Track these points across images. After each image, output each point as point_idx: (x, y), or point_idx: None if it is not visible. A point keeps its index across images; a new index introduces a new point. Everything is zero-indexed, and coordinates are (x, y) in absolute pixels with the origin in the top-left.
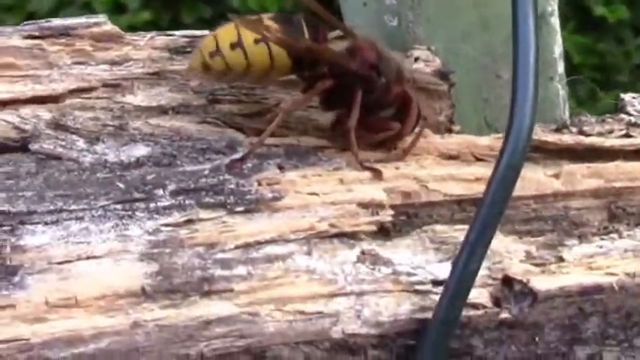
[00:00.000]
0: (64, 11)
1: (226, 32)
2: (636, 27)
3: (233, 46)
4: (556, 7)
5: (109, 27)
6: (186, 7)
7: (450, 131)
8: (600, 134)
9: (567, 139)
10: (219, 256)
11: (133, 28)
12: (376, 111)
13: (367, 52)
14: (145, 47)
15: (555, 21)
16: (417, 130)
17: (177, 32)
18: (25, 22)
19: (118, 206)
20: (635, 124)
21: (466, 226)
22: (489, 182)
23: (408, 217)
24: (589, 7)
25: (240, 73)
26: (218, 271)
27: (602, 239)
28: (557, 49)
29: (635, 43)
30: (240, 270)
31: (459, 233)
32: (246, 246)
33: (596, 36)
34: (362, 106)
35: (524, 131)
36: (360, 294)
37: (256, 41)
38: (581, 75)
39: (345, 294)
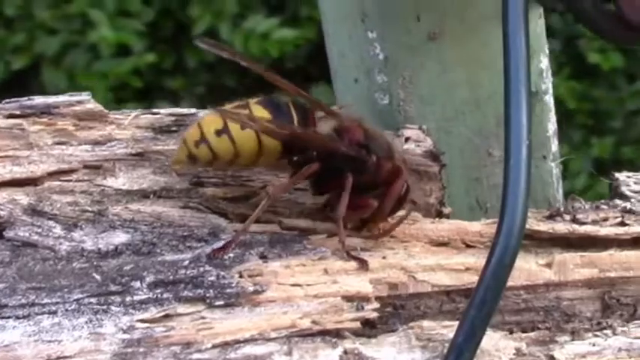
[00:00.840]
0: (71, 53)
1: (211, 119)
2: (630, 74)
3: (219, 133)
4: (550, 86)
5: (92, 105)
6: (189, 51)
7: (440, 214)
8: (595, 222)
9: (561, 227)
10: (196, 356)
11: (137, 71)
12: (367, 190)
13: (354, 131)
14: (129, 126)
15: (549, 99)
16: (403, 212)
17: (162, 110)
18: (6, 100)
19: (93, 300)
20: (630, 211)
21: (455, 322)
22: (479, 281)
23: (394, 309)
24: (584, 55)
25: (228, 160)
26: None
27: (596, 335)
28: (551, 127)
29: (629, 90)
30: None
31: (447, 330)
32: (224, 345)
33: (590, 82)
34: (355, 187)
35: (515, 229)
36: None
37: (243, 127)
38: (574, 122)
39: None
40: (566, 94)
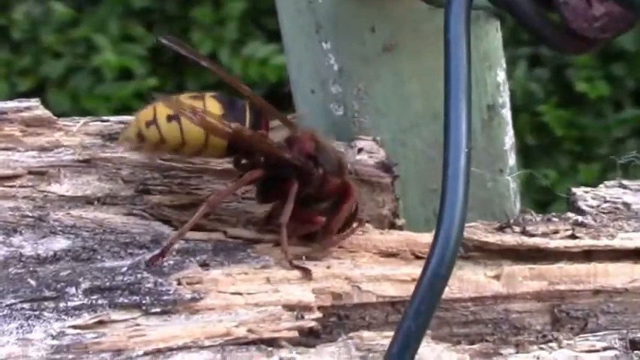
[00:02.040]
0: (75, 76)
1: (164, 106)
2: (616, 102)
3: (170, 119)
4: (507, 100)
5: (40, 112)
6: (190, 74)
7: (393, 225)
8: (545, 234)
9: (509, 239)
10: None
11: (139, 94)
12: (314, 204)
13: (305, 142)
14: (78, 133)
15: (507, 113)
16: (351, 227)
17: (112, 117)
18: None
19: (26, 305)
20: (581, 224)
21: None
22: (414, 292)
23: (339, 319)
24: (572, 83)
25: (174, 146)
26: None
27: (541, 349)
28: (509, 140)
29: (615, 118)
30: None
31: (387, 340)
32: (156, 352)
33: (577, 110)
34: (299, 198)
35: (452, 240)
36: None
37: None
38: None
39: None
40: (554, 122)
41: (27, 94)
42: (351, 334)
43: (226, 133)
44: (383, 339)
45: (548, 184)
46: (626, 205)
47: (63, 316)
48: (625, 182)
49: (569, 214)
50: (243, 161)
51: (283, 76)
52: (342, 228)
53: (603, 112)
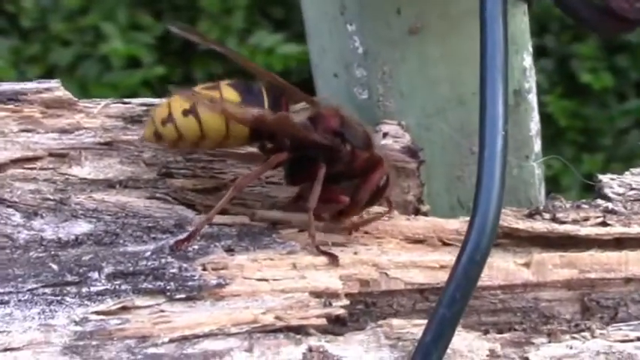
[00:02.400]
0: (83, 64)
1: (179, 99)
2: (620, 93)
3: (186, 113)
4: (534, 85)
5: (61, 93)
6: (197, 63)
7: (418, 211)
8: (575, 221)
9: (539, 226)
10: (151, 350)
11: (147, 83)
12: (344, 181)
13: (330, 119)
14: (99, 115)
15: (533, 98)
16: (381, 209)
17: (134, 100)
18: None
19: (48, 290)
20: (612, 211)
21: (426, 321)
22: (449, 279)
23: (366, 307)
24: (576, 74)
25: (193, 141)
26: None
27: (574, 338)
28: (534, 126)
29: (619, 109)
30: None
31: (417, 329)
32: (182, 339)
33: (581, 101)
34: (330, 177)
35: (488, 225)
36: None
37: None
38: (563, 141)
39: None
40: (558, 112)
41: None
42: (380, 322)
43: (248, 119)
44: (413, 327)
45: (555, 172)
46: None
47: (86, 302)
48: None
49: (599, 201)
50: (269, 146)
51: (289, 66)
52: (370, 201)
53: (607, 102)
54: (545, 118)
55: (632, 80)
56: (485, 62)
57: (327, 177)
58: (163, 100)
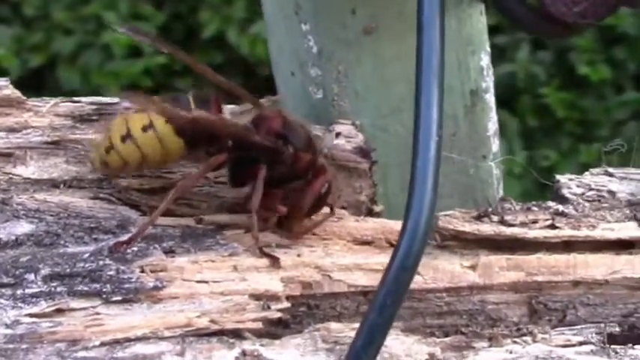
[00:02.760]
0: (85, 52)
1: (117, 127)
2: (617, 85)
3: (124, 139)
4: (491, 84)
5: (9, 91)
6: (198, 53)
7: (371, 212)
8: (523, 224)
9: (486, 228)
10: (81, 354)
11: (148, 72)
12: (287, 183)
13: (272, 121)
14: (47, 114)
15: (490, 98)
16: (326, 211)
17: (84, 99)
18: None
19: None
20: (561, 214)
21: None
22: (380, 285)
23: (309, 309)
24: (573, 66)
25: (137, 164)
26: None
27: (515, 342)
28: (492, 126)
29: (616, 101)
30: None
31: (355, 332)
32: (114, 343)
33: (579, 93)
34: (273, 179)
35: (420, 231)
36: None
37: (144, 129)
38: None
39: None
40: (556, 104)
41: (38, 70)
42: (317, 326)
43: (185, 119)
44: (351, 331)
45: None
46: (611, 193)
47: (20, 304)
48: (610, 170)
49: (550, 204)
50: (211, 149)
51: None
52: (314, 208)
53: (604, 94)
54: (543, 110)
55: (630, 72)
56: (421, 66)
57: (270, 180)
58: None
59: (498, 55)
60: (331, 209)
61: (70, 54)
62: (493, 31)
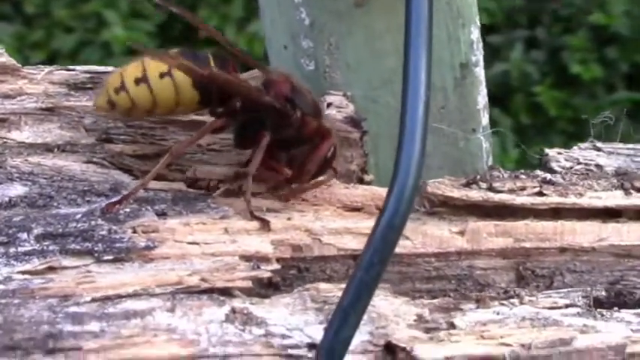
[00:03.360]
0: (85, 49)
1: (132, 68)
2: (609, 84)
3: (138, 82)
4: (481, 58)
5: (4, 59)
6: (197, 51)
7: (362, 181)
8: (512, 191)
9: (475, 195)
10: (72, 309)
11: None
12: (292, 146)
13: (281, 85)
14: (42, 81)
15: (480, 72)
16: (323, 177)
17: (78, 67)
18: None
19: None
20: (549, 182)
21: None
22: (367, 244)
23: (299, 272)
24: (566, 65)
25: (146, 108)
26: (68, 327)
27: (502, 304)
28: (482, 100)
29: (607, 99)
30: (93, 326)
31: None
32: (104, 299)
33: (571, 91)
34: (277, 141)
35: (407, 191)
36: (225, 357)
37: (161, 75)
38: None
39: (208, 357)
40: (549, 102)
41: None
42: (307, 286)
43: (201, 75)
44: (340, 291)
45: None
46: (599, 166)
47: (12, 262)
48: (599, 144)
49: (538, 172)
50: (219, 110)
51: None
52: (318, 171)
53: (596, 93)
54: (536, 108)
55: (621, 72)
56: (410, 28)
57: (275, 142)
58: (115, 69)
59: (492, 54)
60: (334, 172)
61: (71, 51)
62: (487, 30)
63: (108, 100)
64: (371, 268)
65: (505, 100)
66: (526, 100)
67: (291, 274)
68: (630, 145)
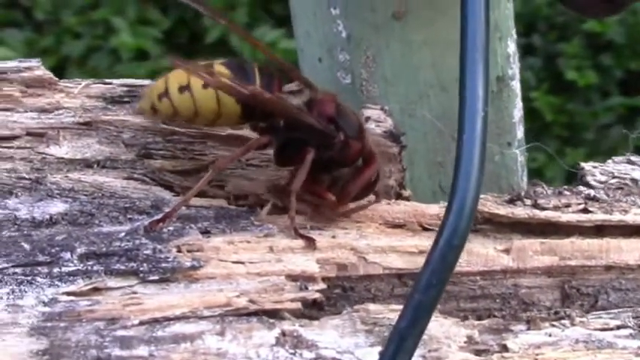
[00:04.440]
0: (94, 55)
1: (176, 76)
2: (603, 90)
3: (182, 90)
4: (517, 71)
5: (41, 72)
6: (202, 57)
7: (400, 196)
8: (556, 208)
9: (520, 212)
10: (120, 333)
11: (154, 74)
12: (334, 169)
13: (326, 105)
14: (79, 95)
15: (516, 85)
16: (368, 199)
17: (115, 80)
18: None
19: (18, 270)
20: (593, 198)
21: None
22: (425, 264)
23: (344, 291)
24: (562, 72)
25: (187, 117)
26: (116, 351)
27: (553, 325)
28: (517, 113)
29: (602, 105)
30: (142, 350)
31: (394, 314)
32: (153, 322)
33: (567, 97)
34: (318, 163)
35: (466, 209)
36: None
37: (205, 86)
38: (548, 134)
39: None
40: (545, 107)
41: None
42: (356, 307)
43: (244, 95)
44: (390, 312)
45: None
46: (634, 181)
47: (56, 282)
48: (633, 158)
49: (581, 188)
50: (261, 125)
51: (289, 60)
52: (361, 194)
53: (591, 99)
54: (532, 113)
55: (616, 78)
56: (466, 43)
57: (316, 164)
58: (159, 77)
59: None
60: (377, 196)
61: (80, 57)
62: None
63: (151, 105)
64: (429, 289)
65: None
66: (523, 105)
67: (335, 293)
68: None
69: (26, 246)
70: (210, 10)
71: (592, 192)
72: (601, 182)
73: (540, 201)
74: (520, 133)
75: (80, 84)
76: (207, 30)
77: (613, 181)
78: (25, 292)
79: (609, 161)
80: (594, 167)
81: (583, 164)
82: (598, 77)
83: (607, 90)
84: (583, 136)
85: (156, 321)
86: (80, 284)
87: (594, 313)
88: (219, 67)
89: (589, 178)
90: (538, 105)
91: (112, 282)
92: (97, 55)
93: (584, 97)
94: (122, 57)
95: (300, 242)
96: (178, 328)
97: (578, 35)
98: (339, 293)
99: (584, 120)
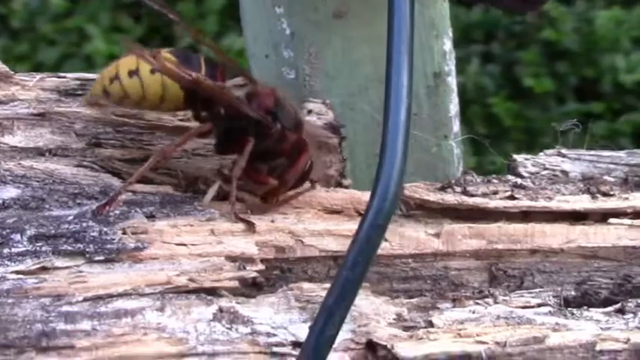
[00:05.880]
0: (68, 62)
1: (127, 61)
2: (560, 97)
3: (131, 74)
4: (453, 67)
5: None
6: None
7: (340, 185)
8: (485, 195)
9: (450, 198)
10: (65, 308)
11: None
12: (270, 159)
13: (265, 97)
14: (34, 88)
15: (452, 80)
16: (304, 187)
17: (69, 74)
18: None
19: None
20: (520, 186)
21: None
22: (352, 243)
23: (282, 272)
24: (519, 79)
25: (135, 100)
26: (60, 326)
27: (477, 303)
28: (453, 108)
29: (558, 111)
30: (85, 325)
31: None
32: (96, 299)
33: (524, 103)
34: (257, 153)
35: (390, 191)
36: (212, 355)
37: (152, 71)
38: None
39: (196, 354)
40: (503, 113)
41: None
42: (291, 286)
43: (185, 79)
44: (322, 291)
45: (496, 168)
46: (565, 172)
47: (6, 262)
48: (564, 151)
49: (509, 177)
50: (203, 114)
51: None
52: (297, 182)
53: (548, 105)
54: (491, 118)
55: (571, 85)
56: (392, 36)
57: (254, 154)
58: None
59: None
60: (312, 183)
61: (54, 63)
62: None
63: (102, 88)
64: (356, 267)
65: (462, 111)
66: (482, 110)
67: (274, 274)
68: (592, 152)
69: None
70: (172, 12)
71: (519, 180)
72: (532, 173)
73: (470, 188)
74: (456, 127)
75: (35, 77)
76: (178, 37)
77: (544, 172)
78: None
79: (541, 154)
80: (526, 159)
81: (515, 156)
82: (554, 84)
83: (563, 96)
84: (540, 141)
85: (99, 298)
86: (29, 263)
87: (517, 292)
88: (167, 54)
89: (520, 170)
90: (497, 110)
91: (59, 262)
92: (72, 62)
93: (541, 103)
94: (96, 63)
95: (240, 226)
96: (120, 304)
97: (535, 44)
98: (278, 274)
99: (542, 125)
